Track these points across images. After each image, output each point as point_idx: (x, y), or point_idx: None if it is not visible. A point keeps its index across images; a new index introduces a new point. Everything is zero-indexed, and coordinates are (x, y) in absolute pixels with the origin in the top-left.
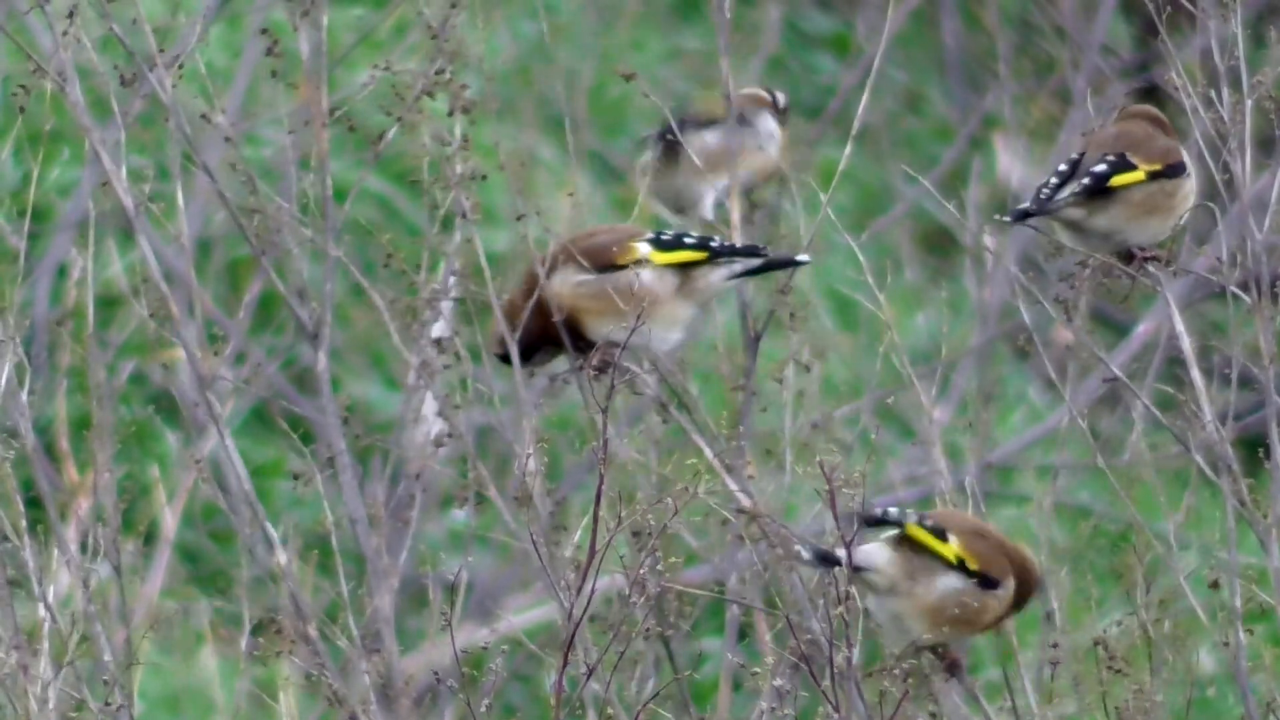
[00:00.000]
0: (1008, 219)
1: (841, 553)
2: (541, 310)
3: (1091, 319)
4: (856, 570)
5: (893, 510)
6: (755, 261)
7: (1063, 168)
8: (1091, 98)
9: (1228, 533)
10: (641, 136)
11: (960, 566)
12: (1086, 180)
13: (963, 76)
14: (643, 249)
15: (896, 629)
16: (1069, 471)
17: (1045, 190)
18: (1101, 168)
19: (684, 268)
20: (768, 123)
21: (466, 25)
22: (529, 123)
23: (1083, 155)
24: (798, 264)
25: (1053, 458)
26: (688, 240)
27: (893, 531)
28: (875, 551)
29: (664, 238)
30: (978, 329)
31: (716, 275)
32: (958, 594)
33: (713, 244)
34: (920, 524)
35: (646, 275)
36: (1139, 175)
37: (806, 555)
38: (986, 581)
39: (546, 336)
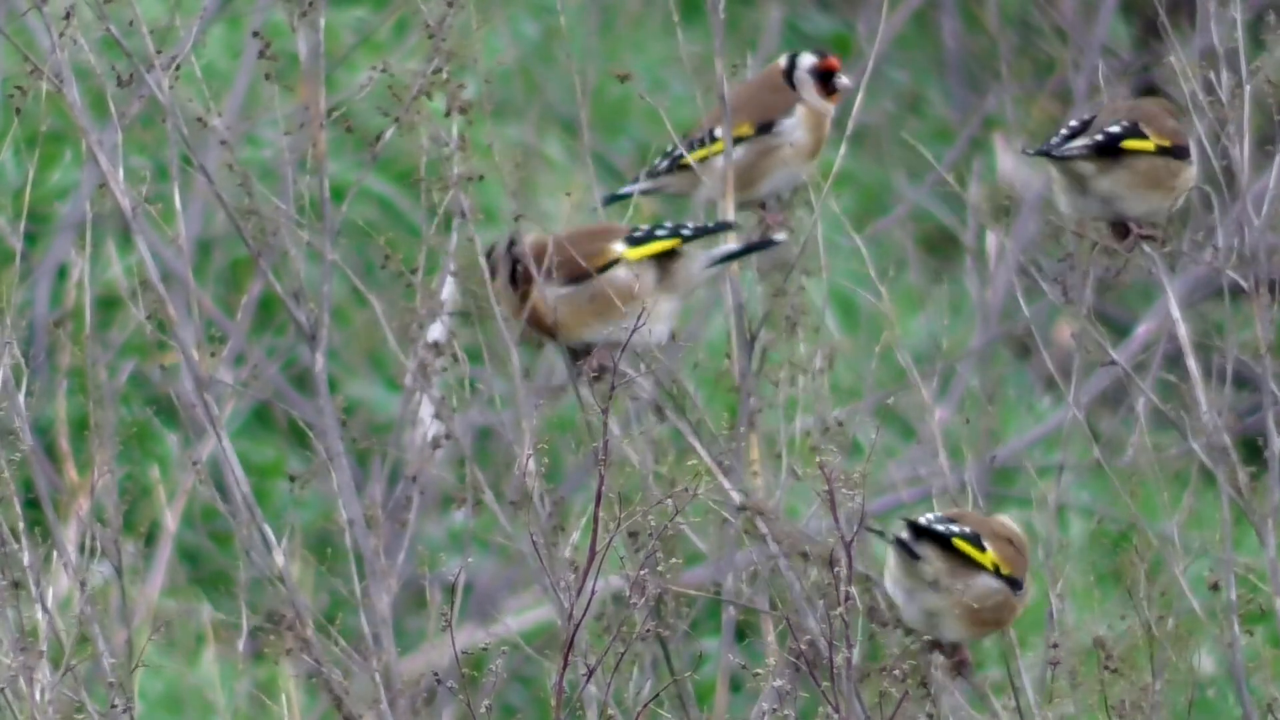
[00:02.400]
0: (1030, 152)
1: (907, 529)
2: (536, 316)
3: (1092, 317)
4: (914, 556)
5: (938, 526)
6: (734, 247)
7: (1073, 123)
8: (1091, 98)
9: (1223, 523)
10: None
11: (995, 571)
12: (1100, 137)
13: (963, 77)
14: (617, 248)
15: (927, 626)
16: (1070, 471)
17: (1055, 139)
18: (1115, 129)
19: (661, 261)
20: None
21: (467, 25)
22: (532, 123)
23: (1094, 117)
24: (775, 244)
25: (1054, 458)
26: (659, 232)
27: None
28: (927, 545)
29: (636, 234)
30: (978, 329)
31: (695, 264)
32: (992, 594)
33: (684, 231)
34: (962, 535)
35: (623, 274)
36: (1149, 145)
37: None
38: (1015, 584)
39: (544, 331)
